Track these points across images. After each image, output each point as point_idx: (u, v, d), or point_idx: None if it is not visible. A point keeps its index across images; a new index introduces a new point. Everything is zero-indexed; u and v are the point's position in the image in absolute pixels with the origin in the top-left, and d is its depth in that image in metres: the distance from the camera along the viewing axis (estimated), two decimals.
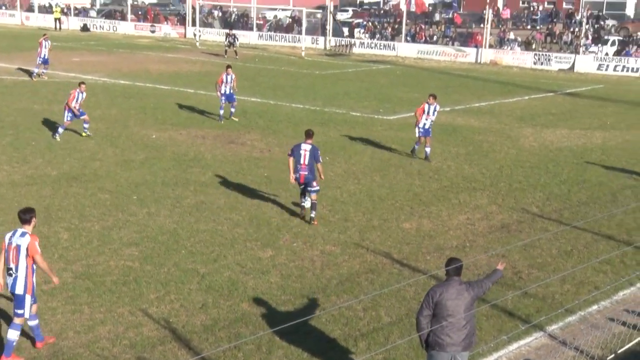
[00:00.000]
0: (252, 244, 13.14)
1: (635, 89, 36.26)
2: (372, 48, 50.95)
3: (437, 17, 63.56)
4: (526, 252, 13.21)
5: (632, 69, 42.31)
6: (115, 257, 12.28)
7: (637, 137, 23.87)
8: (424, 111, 19.63)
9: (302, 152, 14.25)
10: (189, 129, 22.46)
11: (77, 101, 20.45)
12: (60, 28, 59.85)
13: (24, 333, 9.33)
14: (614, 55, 44.64)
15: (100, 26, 62.14)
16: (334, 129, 23.44)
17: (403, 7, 59.12)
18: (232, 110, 24.20)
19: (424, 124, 19.57)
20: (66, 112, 20.44)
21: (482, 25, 50.66)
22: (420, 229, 14.30)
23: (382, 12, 67.49)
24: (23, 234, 8.93)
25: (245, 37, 54.97)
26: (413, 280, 11.73)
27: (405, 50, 49.43)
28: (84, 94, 20.78)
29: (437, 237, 13.93)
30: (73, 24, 62.35)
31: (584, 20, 46.87)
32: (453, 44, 49.99)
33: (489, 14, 48.30)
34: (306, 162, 14.18)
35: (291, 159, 14.26)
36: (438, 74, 40.64)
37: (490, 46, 47.72)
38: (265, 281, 11.63)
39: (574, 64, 43.65)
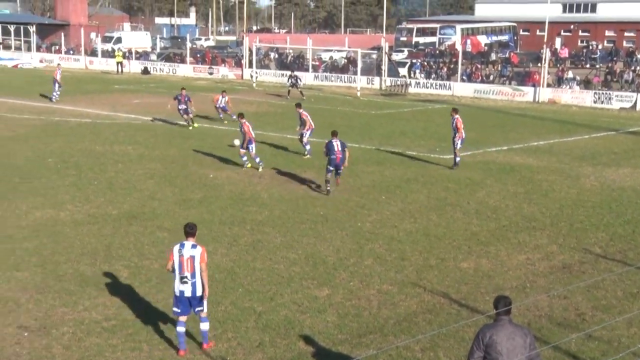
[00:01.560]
0: (309, 283, 13.15)
1: None
2: (427, 88, 50.98)
3: (493, 56, 63.47)
4: (589, 293, 12.90)
5: None
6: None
7: None
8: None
9: (334, 144, 19.70)
10: (246, 169, 22.71)
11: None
12: (122, 71, 61.59)
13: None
14: None
15: (160, 69, 63.70)
16: (389, 168, 23.44)
17: (459, 47, 59.29)
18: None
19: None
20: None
21: (539, 64, 50.27)
22: (478, 269, 14.11)
23: (437, 52, 67.69)
24: (194, 246, 10.17)
25: (301, 78, 55.57)
26: (472, 320, 11.55)
27: (462, 89, 49.32)
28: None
29: (496, 277, 13.72)
30: (134, 67, 64.08)
31: None
32: (510, 83, 49.67)
33: (546, 53, 47.97)
34: (339, 149, 19.62)
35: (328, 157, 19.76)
36: (495, 112, 40.38)
37: (549, 85, 47.26)
38: (321, 320, 11.60)
39: (636, 102, 42.83)
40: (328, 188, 19.78)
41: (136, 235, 15.66)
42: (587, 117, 38.72)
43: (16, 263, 13.76)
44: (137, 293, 12.48)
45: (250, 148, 22.38)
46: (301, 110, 25.07)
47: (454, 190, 20.60)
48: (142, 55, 68.54)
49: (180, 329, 10.37)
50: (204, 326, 10.46)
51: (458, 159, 23.70)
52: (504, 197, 19.98)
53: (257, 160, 22.60)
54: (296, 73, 47.36)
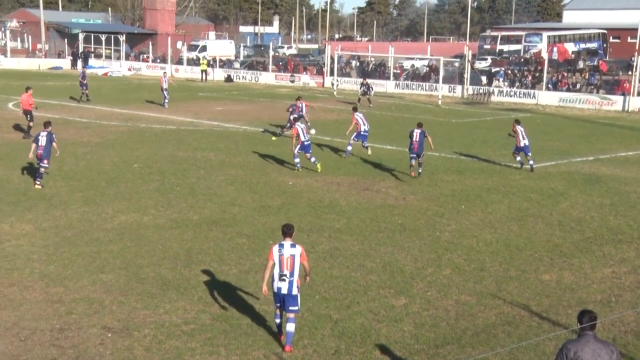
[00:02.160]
0: (385, 292, 13.10)
1: None
2: (511, 96, 50.12)
3: (580, 64, 61.88)
4: None
5: None
6: (251, 301, 12.58)
7: None
8: None
9: (414, 134, 22.60)
10: (324, 176, 22.84)
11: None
12: (206, 79, 62.87)
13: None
14: None
15: (243, 77, 64.76)
16: (470, 177, 23.14)
17: (545, 55, 58.03)
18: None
19: None
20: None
21: (630, 73, 48.73)
22: (560, 281, 13.76)
23: (522, 60, 66.46)
24: (293, 245, 10.77)
25: (382, 86, 55.57)
26: (553, 334, 11.28)
27: (546, 98, 48.26)
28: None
29: (579, 290, 13.35)
30: (218, 75, 65.33)
31: None
32: (598, 92, 48.32)
33: (638, 60, 46.41)
34: (417, 140, 22.45)
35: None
36: (581, 122, 39.34)
37: (639, 94, 45.74)
38: (398, 329, 11.54)
39: None
40: (412, 174, 22.80)
41: (216, 240, 15.95)
42: None
43: (101, 265, 14.21)
44: (216, 298, 12.70)
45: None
46: (355, 114, 26.68)
47: (536, 200, 20.17)
48: (226, 64, 69.81)
49: (277, 320, 11.05)
50: (290, 327, 10.77)
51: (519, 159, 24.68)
52: (588, 208, 19.44)
53: (313, 160, 23.73)
54: (368, 81, 47.24)
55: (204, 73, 63.35)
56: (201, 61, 65.32)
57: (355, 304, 12.51)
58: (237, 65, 70.50)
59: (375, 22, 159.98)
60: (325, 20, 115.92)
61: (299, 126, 23.49)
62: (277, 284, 10.71)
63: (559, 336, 11.16)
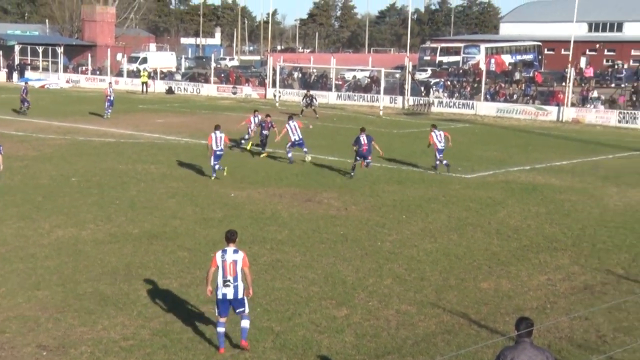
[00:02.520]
0: (327, 303, 13.13)
1: None
2: (450, 107, 50.90)
3: (517, 75, 63.24)
4: (611, 315, 12.73)
5: None
6: (192, 314, 12.46)
7: None
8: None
9: (362, 139, 24.38)
10: (266, 188, 22.81)
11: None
12: (146, 91, 62.19)
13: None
14: None
15: (184, 89, 64.27)
16: (411, 187, 23.39)
17: (483, 67, 59.13)
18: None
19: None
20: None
21: (564, 84, 50.02)
22: (498, 289, 14.00)
23: (461, 71, 67.60)
24: (236, 251, 10.94)
25: (324, 97, 55.84)
26: (491, 342, 11.46)
27: (485, 108, 49.17)
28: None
29: (516, 297, 13.60)
30: (159, 87, 64.70)
31: None
32: (534, 103, 49.45)
33: (571, 72, 47.70)
34: (366, 143, 24.35)
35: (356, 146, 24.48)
36: (518, 132, 40.19)
37: (573, 105, 46.97)
38: (339, 340, 11.56)
39: None
40: (352, 174, 24.48)
41: (156, 254, 15.76)
42: (611, 137, 38.41)
43: (37, 282, 13.89)
44: (155, 313, 12.53)
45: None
46: (287, 123, 27.66)
47: (475, 210, 20.50)
48: (167, 75, 69.18)
49: (221, 329, 11.04)
50: (245, 323, 11.05)
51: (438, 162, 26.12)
52: (525, 217, 19.84)
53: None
54: (312, 92, 47.51)
55: (144, 85, 62.67)
56: (142, 73, 64.62)
57: (297, 316, 12.50)
58: (178, 77, 69.91)
59: (317, 33, 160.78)
60: (267, 31, 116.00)
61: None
62: (221, 290, 10.86)
63: (497, 343, 11.34)
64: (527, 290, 13.99)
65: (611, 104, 47.12)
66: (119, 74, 70.18)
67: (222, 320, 11.00)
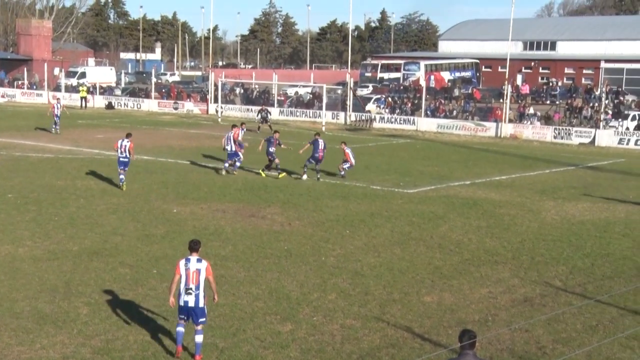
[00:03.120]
0: (272, 318, 13.07)
1: None
2: (392, 123, 51.47)
3: (456, 92, 64.43)
4: (550, 326, 13.00)
5: None
6: (134, 332, 12.24)
7: None
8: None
9: (319, 143, 26.84)
10: (209, 203, 22.64)
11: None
12: (86, 106, 61.21)
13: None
14: (634, 129, 44.69)
15: (124, 104, 63.49)
16: (354, 202, 23.51)
17: (423, 83, 60.08)
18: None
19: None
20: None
21: (501, 100, 51.12)
22: (441, 303, 14.16)
23: (402, 87, 68.49)
24: (199, 260, 11.21)
25: (271, 112, 55.81)
26: (434, 354, 11.56)
27: (425, 124, 49.88)
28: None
29: (458, 310, 13.77)
30: (98, 102, 63.76)
31: (604, 95, 47.15)
32: (473, 119, 50.39)
33: (508, 89, 48.81)
34: (322, 148, 26.80)
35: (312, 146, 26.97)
36: (458, 147, 40.87)
37: (510, 121, 48.03)
38: (284, 356, 11.51)
39: (594, 138, 43.72)
40: (304, 177, 27.06)
41: (97, 271, 15.46)
42: (547, 152, 39.37)
43: None
44: (96, 330, 12.27)
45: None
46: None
47: (417, 224, 20.72)
48: (107, 90, 68.27)
49: (180, 328, 11.31)
50: (199, 338, 11.24)
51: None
52: (466, 231, 20.14)
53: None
54: (267, 108, 47.84)
55: (83, 100, 61.67)
56: (80, 88, 63.61)
57: (242, 332, 12.40)
58: (118, 92, 69.06)
59: (258, 49, 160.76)
60: (209, 47, 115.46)
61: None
62: (183, 297, 11.15)
63: (440, 356, 11.46)
64: (469, 303, 14.18)
65: (547, 120, 48.35)
66: (57, 88, 68.91)
67: (182, 322, 11.28)
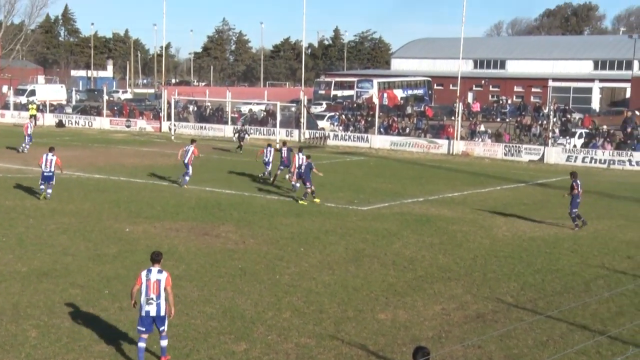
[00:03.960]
0: (226, 338, 12.96)
1: (602, 179, 36.97)
2: (346, 140, 51.72)
3: (409, 110, 65.08)
4: (502, 342, 13.14)
5: (599, 160, 43.22)
6: (85, 354, 12.02)
7: (606, 226, 24.18)
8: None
9: (283, 151, 30.65)
10: (162, 222, 22.40)
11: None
12: (35, 124, 60.04)
13: None
14: (581, 147, 45.69)
15: (75, 122, 62.63)
16: (308, 219, 23.51)
17: (376, 101, 60.54)
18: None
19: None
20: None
21: (453, 118, 51.80)
22: (395, 320, 14.21)
23: (355, 105, 68.92)
24: (160, 271, 11.59)
25: (220, 131, 55.69)
26: None
27: (379, 142, 50.25)
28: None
29: (412, 327, 13.84)
30: (48, 120, 62.79)
31: (552, 113, 48.13)
32: (425, 136, 50.92)
33: (459, 107, 49.51)
34: (286, 156, 30.36)
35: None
36: (411, 164, 41.23)
37: (462, 138, 48.67)
38: None
39: (543, 155, 44.54)
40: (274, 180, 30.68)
41: (46, 292, 15.14)
42: (498, 169, 39.96)
43: None
44: (46, 354, 12.00)
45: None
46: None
47: (371, 241, 20.80)
48: (57, 108, 67.27)
49: (142, 344, 11.62)
50: (164, 343, 11.71)
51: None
52: (420, 247, 20.29)
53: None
54: (245, 128, 48.51)
55: (33, 118, 60.55)
56: (30, 106, 62.55)
57: (195, 352, 12.26)
58: (69, 109, 68.10)
59: (212, 67, 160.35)
60: (161, 64, 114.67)
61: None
62: (145, 307, 11.51)
63: None
64: (423, 320, 14.26)
65: (497, 137, 49.10)
66: (5, 106, 67.69)
67: (144, 336, 11.60)
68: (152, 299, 11.46)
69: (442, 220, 24.16)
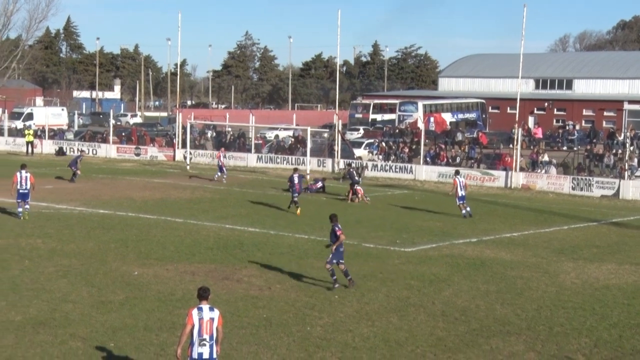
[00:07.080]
0: None
1: None
2: (386, 171, 51.78)
3: (459, 136, 65.10)
4: None
5: None
6: None
7: None
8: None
9: (294, 178, 33.16)
10: (176, 264, 22.56)
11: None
12: (32, 152, 61.20)
13: None
14: None
15: (78, 149, 63.51)
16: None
17: (421, 126, 60.60)
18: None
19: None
20: None
21: (511, 146, 51.58)
22: None
23: (397, 131, 69.03)
24: (212, 309, 12.09)
25: (242, 160, 56.14)
26: None
27: (425, 173, 50.20)
28: None
29: None
30: (47, 147, 63.87)
31: (628, 140, 47.65)
32: (479, 166, 50.77)
33: (518, 133, 49.24)
34: (298, 182, 33.38)
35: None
36: None
37: (522, 169, 48.41)
38: None
39: (618, 189, 44.05)
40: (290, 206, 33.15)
41: (43, 345, 15.29)
42: (565, 206, 39.65)
43: None
44: None
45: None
46: None
47: (417, 288, 20.71)
48: (57, 134, 68.41)
49: None
50: None
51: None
52: (473, 296, 20.15)
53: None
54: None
55: (29, 145, 61.69)
56: (26, 131, 63.69)
57: None
58: (70, 135, 69.24)
59: (233, 87, 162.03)
60: (176, 84, 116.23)
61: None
62: (197, 349, 11.88)
63: None
64: None
65: (564, 168, 48.70)
66: None
67: None
68: (205, 339, 11.82)
69: (499, 265, 23.99)
